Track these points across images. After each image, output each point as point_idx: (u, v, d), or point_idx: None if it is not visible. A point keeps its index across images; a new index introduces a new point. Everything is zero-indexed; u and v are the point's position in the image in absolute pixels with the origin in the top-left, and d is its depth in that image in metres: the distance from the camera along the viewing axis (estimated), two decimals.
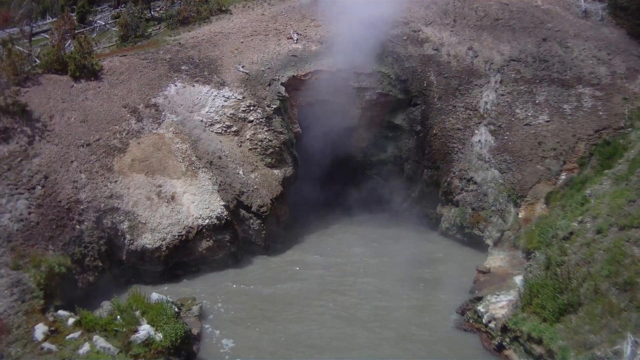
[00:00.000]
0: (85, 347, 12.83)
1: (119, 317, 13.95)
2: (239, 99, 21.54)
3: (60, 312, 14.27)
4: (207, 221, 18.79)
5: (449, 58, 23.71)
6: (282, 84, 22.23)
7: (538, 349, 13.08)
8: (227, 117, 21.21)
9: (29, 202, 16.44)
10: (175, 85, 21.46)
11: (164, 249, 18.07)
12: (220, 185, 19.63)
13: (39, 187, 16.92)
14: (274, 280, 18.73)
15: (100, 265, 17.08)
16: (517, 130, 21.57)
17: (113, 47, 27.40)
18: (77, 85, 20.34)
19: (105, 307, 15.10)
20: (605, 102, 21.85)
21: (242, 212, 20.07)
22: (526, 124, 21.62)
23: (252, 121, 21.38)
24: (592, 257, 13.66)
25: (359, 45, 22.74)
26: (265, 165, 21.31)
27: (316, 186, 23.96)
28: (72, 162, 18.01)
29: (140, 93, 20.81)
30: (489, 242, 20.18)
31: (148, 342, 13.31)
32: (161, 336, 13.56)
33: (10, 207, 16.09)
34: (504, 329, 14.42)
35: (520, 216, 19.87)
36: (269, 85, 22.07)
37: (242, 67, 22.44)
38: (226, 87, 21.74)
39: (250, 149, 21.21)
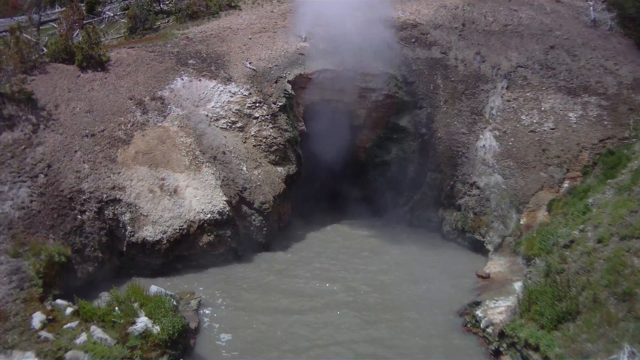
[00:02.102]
0: (83, 337, 12.83)
1: (117, 308, 13.96)
2: (245, 95, 21.54)
3: (59, 301, 14.24)
4: (208, 216, 18.82)
5: (456, 62, 23.68)
6: (288, 81, 22.19)
7: (535, 356, 13.05)
8: (233, 112, 21.22)
9: (31, 190, 16.46)
10: (182, 79, 21.46)
11: (165, 242, 18.08)
12: (223, 180, 19.63)
13: (42, 176, 16.95)
14: (273, 276, 18.73)
15: (100, 256, 17.09)
16: (522, 136, 21.53)
17: (121, 39, 27.46)
18: (83, 76, 20.36)
19: (104, 298, 15.09)
20: (610, 112, 21.78)
21: (244, 208, 20.08)
22: (531, 131, 21.57)
23: (257, 118, 21.38)
24: (592, 266, 13.65)
25: (367, 46, 22.73)
26: (269, 162, 21.32)
27: (319, 185, 23.92)
28: (75, 152, 18.04)
29: (147, 85, 20.82)
30: (490, 247, 20.16)
31: (145, 335, 13.30)
32: (159, 329, 13.55)
33: (12, 195, 16.11)
34: (502, 335, 14.40)
35: (521, 222, 19.81)
36: (276, 82, 22.06)
37: (250, 63, 22.44)
38: (233, 83, 21.74)
39: (254, 146, 21.22)
